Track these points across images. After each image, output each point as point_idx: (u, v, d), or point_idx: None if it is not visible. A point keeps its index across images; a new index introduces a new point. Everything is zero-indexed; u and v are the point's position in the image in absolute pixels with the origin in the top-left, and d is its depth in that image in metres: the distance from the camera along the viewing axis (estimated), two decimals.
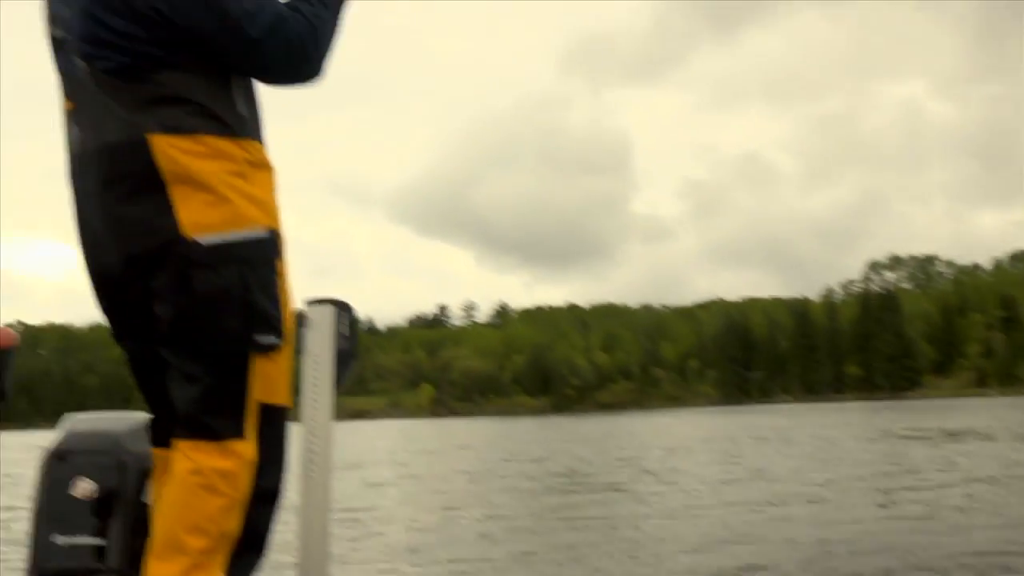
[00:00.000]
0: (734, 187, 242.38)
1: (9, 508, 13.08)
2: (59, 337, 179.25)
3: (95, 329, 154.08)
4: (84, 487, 2.89)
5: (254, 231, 2.31)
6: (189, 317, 2.29)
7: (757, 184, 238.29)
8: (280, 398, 2.42)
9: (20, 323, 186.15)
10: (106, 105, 2.32)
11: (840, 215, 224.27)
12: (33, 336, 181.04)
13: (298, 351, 2.99)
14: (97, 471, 2.89)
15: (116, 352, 2.51)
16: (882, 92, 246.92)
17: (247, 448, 2.33)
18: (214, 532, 2.28)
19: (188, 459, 2.31)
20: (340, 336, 2.97)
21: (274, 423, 2.41)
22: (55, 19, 2.42)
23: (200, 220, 2.25)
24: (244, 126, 2.38)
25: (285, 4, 2.37)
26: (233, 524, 2.32)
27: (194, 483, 2.28)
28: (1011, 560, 8.74)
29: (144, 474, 2.85)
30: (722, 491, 16.52)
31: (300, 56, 2.36)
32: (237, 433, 2.32)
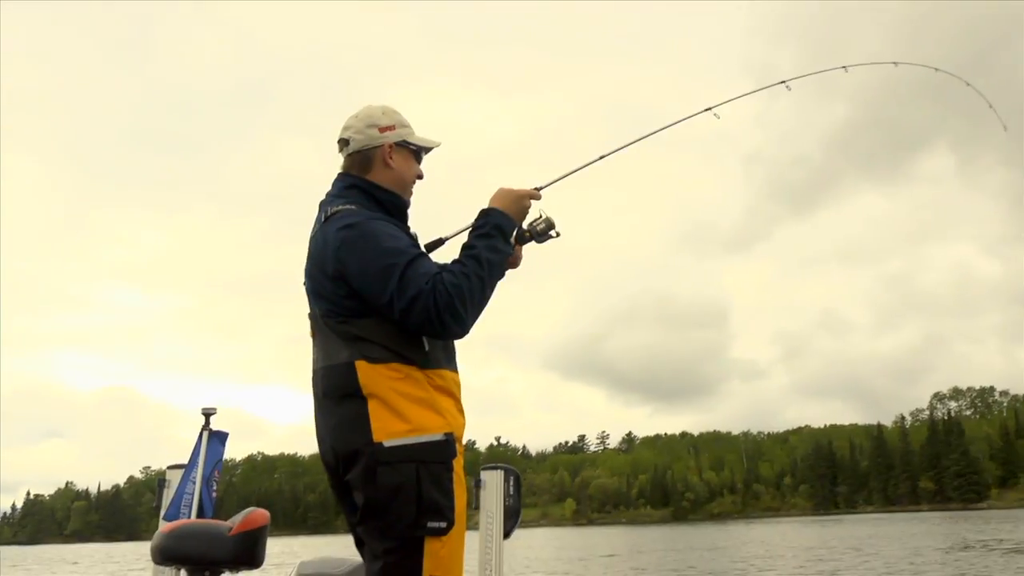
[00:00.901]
0: (816, 334, 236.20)
1: None
2: (289, 463, 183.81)
3: (316, 458, 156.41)
4: None
5: (431, 436, 2.33)
6: (373, 505, 2.32)
7: (835, 332, 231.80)
8: (449, 572, 2.34)
9: (260, 453, 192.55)
10: (327, 337, 2.46)
11: (906, 355, 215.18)
12: (270, 463, 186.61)
13: (476, 507, 2.96)
14: None
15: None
16: (936, 254, 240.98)
17: None
18: None
19: None
20: (507, 495, 2.98)
21: None
22: (305, 272, 2.57)
23: (387, 428, 2.31)
24: (429, 359, 2.40)
25: (443, 265, 2.42)
26: None
27: None
28: None
29: None
30: None
31: (441, 325, 2.31)
32: None
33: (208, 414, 3.03)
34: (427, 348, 2.40)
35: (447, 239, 2.61)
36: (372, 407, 2.33)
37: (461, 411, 2.50)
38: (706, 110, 3.07)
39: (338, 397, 2.40)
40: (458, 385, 2.52)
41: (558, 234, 2.65)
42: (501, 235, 2.46)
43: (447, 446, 2.35)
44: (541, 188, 2.62)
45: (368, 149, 2.58)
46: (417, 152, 2.66)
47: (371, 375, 2.34)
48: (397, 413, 2.32)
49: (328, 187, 2.66)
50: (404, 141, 2.61)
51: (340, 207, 2.50)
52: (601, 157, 2.81)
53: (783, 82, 3.40)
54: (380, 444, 2.30)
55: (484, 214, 2.50)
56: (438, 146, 2.71)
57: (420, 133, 2.68)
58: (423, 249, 2.53)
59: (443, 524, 2.30)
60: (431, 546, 2.29)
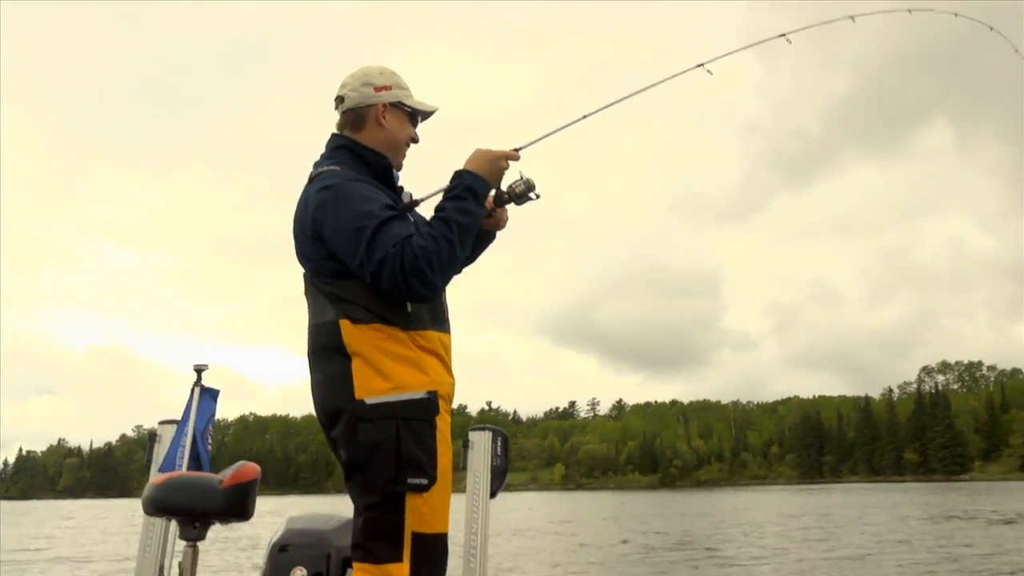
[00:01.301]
0: (808, 306, 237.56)
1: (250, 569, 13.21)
2: (281, 424, 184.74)
3: (308, 419, 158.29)
4: (299, 573, 2.90)
5: (414, 394, 2.35)
6: (355, 461, 2.35)
7: (827, 304, 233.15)
8: (432, 528, 2.37)
9: (252, 414, 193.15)
10: (315, 297, 2.49)
11: (897, 328, 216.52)
12: (262, 423, 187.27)
13: (464, 467, 3.00)
14: (310, 561, 2.92)
15: (323, 437, 2.54)
16: (931, 228, 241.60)
17: (402, 570, 2.30)
18: None
19: None
20: (495, 456, 3.01)
21: (426, 548, 2.35)
22: (293, 233, 2.58)
23: (369, 385, 2.34)
24: (412, 320, 2.40)
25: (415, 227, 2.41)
26: None
27: None
28: None
29: (346, 563, 2.85)
30: (800, 559, 15.88)
31: (408, 287, 2.30)
32: (395, 558, 2.30)
33: (200, 370, 3.06)
34: (410, 309, 2.40)
35: (421, 201, 2.58)
36: (355, 365, 2.35)
37: (449, 371, 2.50)
38: (698, 66, 2.94)
39: (325, 354, 2.42)
40: (445, 346, 2.52)
41: (538, 196, 2.62)
42: (472, 197, 2.42)
43: (429, 404, 2.36)
44: (520, 149, 2.57)
45: (362, 107, 2.57)
46: (413, 115, 2.65)
47: (355, 334, 2.37)
48: (379, 371, 2.34)
49: (316, 145, 2.66)
50: (400, 103, 2.60)
51: (324, 168, 2.52)
52: (584, 116, 2.72)
53: (783, 35, 3.17)
54: (362, 401, 2.32)
55: (457, 175, 2.47)
56: (435, 111, 2.69)
57: (418, 97, 2.66)
58: (404, 208, 2.51)
59: (424, 481, 2.32)
60: (412, 502, 2.32)
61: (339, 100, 2.60)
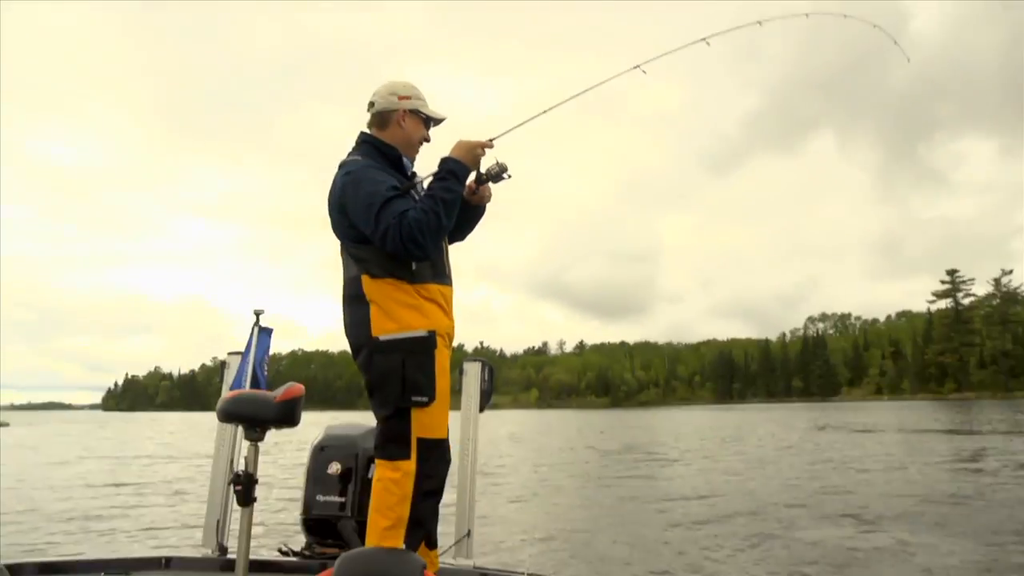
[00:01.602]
0: (725, 270, 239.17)
1: (297, 464, 13.30)
2: (323, 358, 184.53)
3: (343, 353, 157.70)
4: (335, 467, 2.91)
5: (416, 332, 2.36)
6: (372, 384, 2.38)
7: (739, 268, 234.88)
8: (433, 434, 2.38)
9: (301, 350, 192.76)
10: (344, 257, 2.49)
11: (790, 287, 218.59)
12: (308, 357, 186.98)
13: (459, 390, 3.01)
14: (343, 459, 2.90)
15: (355, 367, 2.51)
16: (817, 211, 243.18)
17: (410, 466, 2.34)
18: (392, 516, 2.31)
19: (378, 471, 2.38)
20: (483, 381, 3.02)
21: (428, 449, 2.38)
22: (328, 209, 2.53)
23: (382, 326, 2.36)
24: (415, 276, 2.39)
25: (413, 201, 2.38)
26: (404, 512, 2.32)
27: (379, 487, 2.34)
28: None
29: (370, 460, 2.86)
30: (717, 456, 16.21)
31: (406, 250, 2.31)
32: (405, 456, 2.34)
33: (258, 313, 3.04)
34: (414, 267, 2.40)
35: (419, 181, 2.55)
36: (373, 310, 2.37)
37: (447, 315, 2.48)
38: (635, 67, 2.76)
39: (351, 302, 2.44)
40: (445, 296, 2.49)
41: (510, 176, 2.56)
42: (454, 177, 2.40)
43: (429, 340, 2.37)
44: (494, 139, 2.50)
45: (387, 111, 2.54)
46: (427, 121, 2.62)
47: (371, 286, 2.39)
48: (389, 315, 2.36)
49: (350, 142, 2.64)
50: (417, 110, 2.57)
51: (350, 158, 2.51)
52: (544, 112, 2.63)
53: (704, 39, 2.93)
54: (377, 338, 2.36)
55: (443, 161, 2.44)
56: (444, 119, 2.66)
57: (432, 107, 2.63)
58: (404, 189, 2.44)
59: (424, 399, 2.34)
60: (417, 415, 2.35)
61: (371, 104, 2.58)
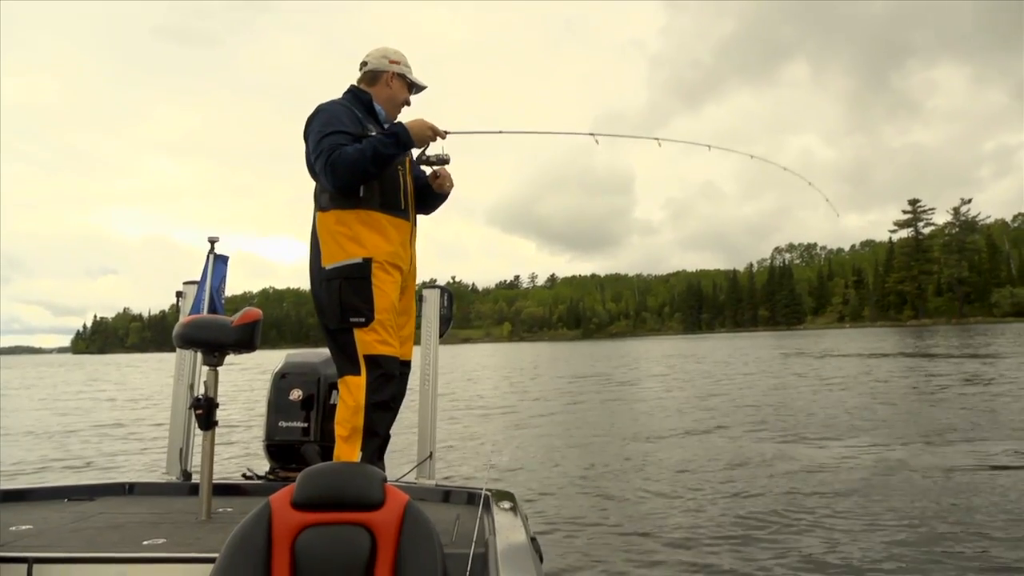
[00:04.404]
0: (696, 202, 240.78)
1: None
2: (294, 295, 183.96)
3: None
4: (296, 393, 2.93)
5: (352, 260, 2.52)
6: (319, 307, 2.57)
7: (710, 200, 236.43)
8: (377, 351, 2.50)
9: (271, 287, 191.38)
10: (314, 193, 2.67)
11: (759, 218, 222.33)
12: (279, 295, 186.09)
13: (420, 316, 3.01)
14: (303, 384, 2.93)
15: None
16: (788, 141, 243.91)
17: (360, 380, 2.47)
18: (348, 427, 2.46)
19: (339, 389, 2.54)
20: (442, 307, 3.03)
21: (376, 365, 2.49)
22: None
23: (328, 256, 2.55)
24: (361, 203, 2.55)
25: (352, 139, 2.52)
26: (359, 422, 2.45)
27: (339, 403, 2.50)
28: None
29: (332, 386, 2.88)
30: (682, 382, 16.72)
31: (325, 177, 2.49)
32: (354, 372, 2.49)
33: (213, 241, 2.98)
34: (361, 195, 2.54)
35: (372, 135, 2.64)
36: (321, 244, 2.56)
37: (391, 243, 2.58)
38: (589, 134, 3.04)
39: (311, 239, 2.62)
40: (393, 224, 2.60)
41: (447, 161, 2.75)
42: (395, 139, 2.54)
43: (364, 266, 2.52)
44: (449, 133, 2.70)
45: (378, 71, 2.79)
46: (410, 86, 2.85)
47: (321, 221, 2.58)
48: (333, 246, 2.54)
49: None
50: (403, 75, 2.82)
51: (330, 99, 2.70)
52: (500, 131, 2.94)
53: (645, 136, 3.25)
54: (323, 267, 2.54)
55: (397, 124, 2.60)
56: (425, 88, 2.89)
57: (416, 75, 2.86)
58: (357, 135, 2.58)
59: (362, 319, 2.49)
60: (359, 334, 2.50)
61: (363, 64, 2.81)
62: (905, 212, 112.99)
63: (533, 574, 1.59)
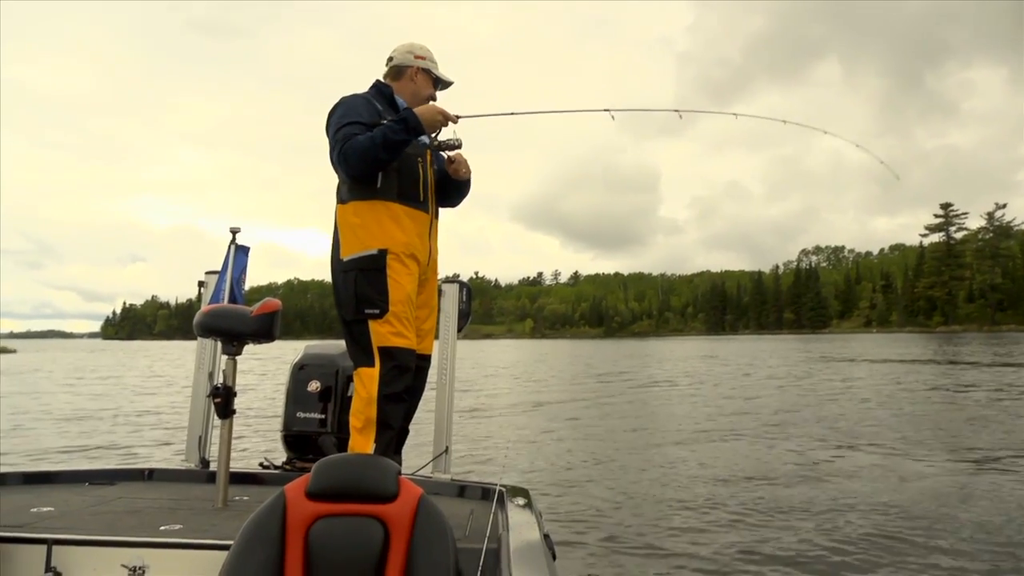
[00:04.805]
0: (722, 201, 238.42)
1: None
2: (319, 287, 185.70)
3: None
4: (314, 384, 2.95)
5: (368, 251, 2.54)
6: (337, 299, 2.60)
7: (736, 200, 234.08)
8: (392, 343, 2.50)
9: (296, 279, 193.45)
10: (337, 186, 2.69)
11: (786, 219, 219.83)
12: (304, 287, 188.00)
13: (439, 310, 3.01)
14: (322, 376, 2.94)
15: None
16: (818, 143, 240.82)
17: (373, 371, 2.49)
18: (362, 418, 2.47)
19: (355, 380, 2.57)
20: (461, 301, 3.03)
21: (390, 357, 2.50)
22: None
23: (347, 248, 2.57)
24: (378, 194, 2.56)
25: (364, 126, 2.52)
26: (372, 413, 2.46)
27: (354, 395, 2.52)
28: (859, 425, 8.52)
29: (350, 378, 2.89)
30: (705, 384, 16.59)
31: (338, 166, 2.53)
32: (368, 363, 2.50)
33: (234, 231, 3.01)
34: (378, 185, 2.55)
35: (385, 120, 2.65)
36: (341, 235, 2.60)
37: (407, 234, 2.58)
38: (604, 110, 2.99)
39: (334, 231, 2.65)
40: (410, 215, 2.60)
41: (459, 146, 2.73)
42: (404, 124, 2.53)
43: (379, 258, 2.53)
44: (460, 117, 2.69)
45: (403, 65, 2.80)
46: (436, 81, 2.84)
47: (341, 213, 2.61)
48: (350, 238, 2.56)
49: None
50: (428, 70, 2.81)
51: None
52: (512, 113, 2.89)
53: (678, 111, 3.31)
54: (342, 259, 2.57)
55: (404, 111, 2.60)
56: (452, 84, 2.87)
57: (442, 71, 2.85)
58: (371, 125, 2.59)
59: (376, 311, 2.50)
60: (373, 325, 2.51)
61: (389, 59, 2.82)
62: (937, 216, 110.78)
63: (545, 571, 1.58)
